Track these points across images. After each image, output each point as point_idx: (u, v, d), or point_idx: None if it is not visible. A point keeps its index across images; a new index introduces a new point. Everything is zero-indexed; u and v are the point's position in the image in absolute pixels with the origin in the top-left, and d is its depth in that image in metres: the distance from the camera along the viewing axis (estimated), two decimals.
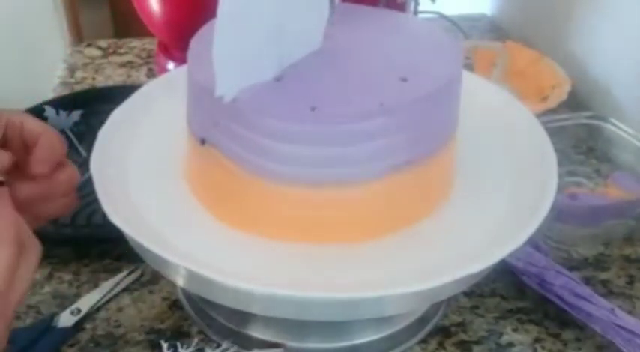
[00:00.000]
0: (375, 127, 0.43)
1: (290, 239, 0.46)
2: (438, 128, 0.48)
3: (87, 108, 0.74)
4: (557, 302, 0.55)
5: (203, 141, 0.46)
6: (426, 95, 0.45)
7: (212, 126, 0.45)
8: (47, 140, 0.42)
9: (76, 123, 0.72)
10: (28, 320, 0.55)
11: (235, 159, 0.45)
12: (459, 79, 0.48)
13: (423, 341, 0.54)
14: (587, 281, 0.59)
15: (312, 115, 0.42)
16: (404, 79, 0.45)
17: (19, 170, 0.42)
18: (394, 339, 0.53)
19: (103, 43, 1.01)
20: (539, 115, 0.57)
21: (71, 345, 0.53)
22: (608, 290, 0.59)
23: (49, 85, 0.89)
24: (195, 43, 0.49)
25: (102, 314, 0.56)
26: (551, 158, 0.50)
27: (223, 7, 0.39)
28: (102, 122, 0.53)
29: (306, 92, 0.44)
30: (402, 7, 0.55)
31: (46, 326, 0.53)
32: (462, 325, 0.56)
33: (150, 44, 0.99)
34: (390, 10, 0.55)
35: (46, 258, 0.50)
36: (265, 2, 0.42)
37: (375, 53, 0.49)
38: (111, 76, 0.92)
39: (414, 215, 0.48)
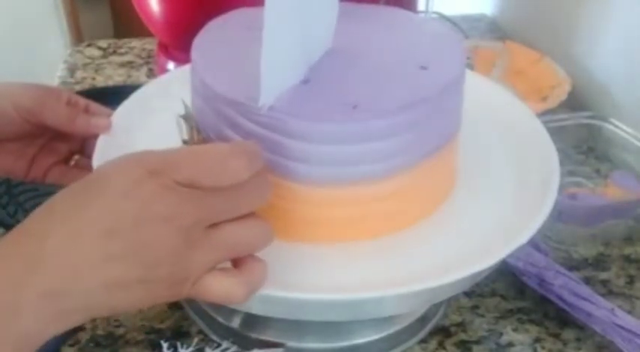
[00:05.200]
0: (414, 117, 0.43)
1: (308, 240, 0.46)
2: (454, 117, 0.48)
3: None
4: (557, 302, 0.55)
5: None
6: (451, 80, 0.45)
7: (241, 138, 0.44)
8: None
9: None
10: None
11: (269, 167, 0.43)
12: (464, 69, 0.48)
13: (423, 341, 0.54)
14: (587, 281, 0.59)
15: (355, 113, 0.42)
16: (424, 68, 0.46)
17: None
18: (394, 339, 0.53)
19: (103, 43, 1.01)
20: (539, 115, 0.57)
21: (71, 345, 0.53)
22: (608, 290, 0.59)
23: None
24: (198, 50, 0.48)
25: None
26: (553, 158, 0.50)
27: (270, 14, 0.38)
28: None
29: (340, 91, 0.44)
30: (401, 6, 0.55)
31: None
32: (462, 325, 0.56)
33: (150, 44, 0.99)
34: (390, 7, 0.56)
35: None
36: (296, 5, 0.42)
37: (386, 48, 0.49)
38: (111, 76, 0.92)
39: (416, 215, 0.48)
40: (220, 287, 0.37)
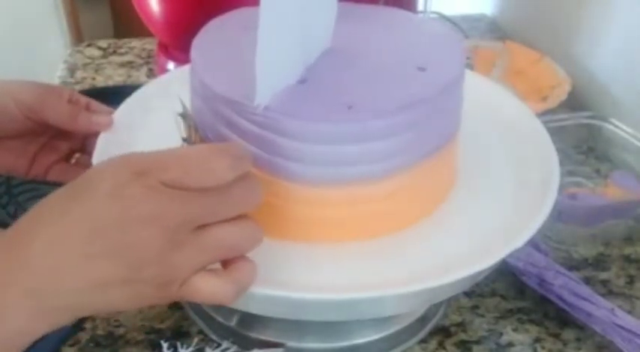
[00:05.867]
0: (414, 117, 0.43)
1: (305, 239, 0.45)
2: (454, 117, 0.48)
3: None
4: (557, 302, 0.55)
5: None
6: (451, 80, 0.45)
7: (238, 137, 0.44)
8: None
9: None
10: None
11: (263, 166, 0.43)
12: (463, 69, 0.48)
13: (423, 341, 0.54)
14: (587, 281, 0.59)
15: (350, 114, 0.42)
16: (422, 69, 0.46)
17: None
18: (394, 339, 0.53)
19: (103, 43, 1.01)
20: (539, 115, 0.57)
21: (71, 345, 0.53)
22: (608, 290, 0.59)
23: None
24: (197, 50, 0.48)
25: (102, 313, 0.56)
26: (553, 158, 0.50)
27: (265, 14, 0.38)
28: None
29: (336, 92, 0.44)
30: (400, 6, 0.56)
31: None
32: (462, 325, 0.56)
33: (150, 44, 0.99)
34: (389, 7, 0.56)
35: None
36: (293, 5, 0.42)
37: (385, 48, 0.49)
38: (111, 76, 0.92)
39: (416, 215, 0.48)
40: (208, 287, 0.36)
